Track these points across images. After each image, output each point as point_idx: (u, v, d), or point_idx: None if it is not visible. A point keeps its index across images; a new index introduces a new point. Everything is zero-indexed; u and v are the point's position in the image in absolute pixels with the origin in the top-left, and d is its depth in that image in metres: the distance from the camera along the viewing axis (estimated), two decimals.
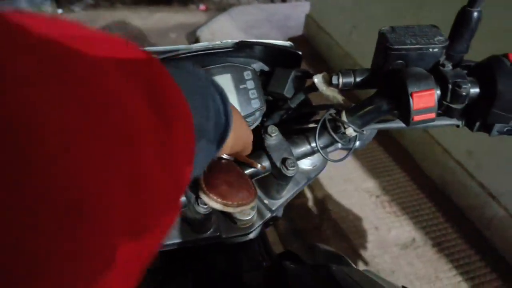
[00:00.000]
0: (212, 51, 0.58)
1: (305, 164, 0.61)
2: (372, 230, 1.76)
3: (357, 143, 0.84)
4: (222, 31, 3.56)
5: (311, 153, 0.55)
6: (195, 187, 0.44)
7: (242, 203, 0.44)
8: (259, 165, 0.50)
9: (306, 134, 0.55)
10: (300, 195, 1.87)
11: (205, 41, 0.60)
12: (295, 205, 1.85)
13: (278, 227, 1.75)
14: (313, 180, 0.63)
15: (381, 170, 2.05)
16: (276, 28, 3.58)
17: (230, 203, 0.42)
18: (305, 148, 0.54)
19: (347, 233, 1.73)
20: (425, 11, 1.89)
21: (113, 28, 3.86)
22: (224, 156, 0.47)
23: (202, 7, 4.46)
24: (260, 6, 4.53)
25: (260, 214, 0.56)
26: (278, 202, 0.57)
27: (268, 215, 0.56)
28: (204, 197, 0.42)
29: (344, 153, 0.59)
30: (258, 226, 0.56)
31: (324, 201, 1.86)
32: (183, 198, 0.47)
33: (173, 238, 0.52)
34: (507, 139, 1.29)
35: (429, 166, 2.04)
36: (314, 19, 3.14)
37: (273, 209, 0.57)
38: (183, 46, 0.61)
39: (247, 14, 3.96)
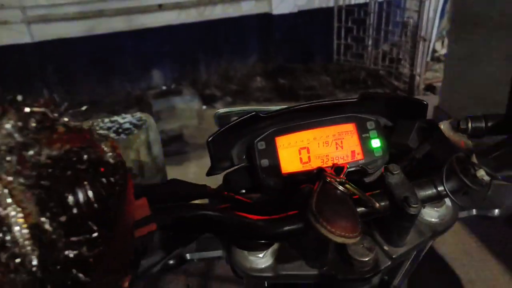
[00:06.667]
0: (337, 101, 0.63)
1: (431, 216, 0.58)
2: None
3: (496, 211, 0.76)
4: None
5: (437, 197, 0.52)
6: (305, 208, 0.45)
7: (345, 235, 0.42)
8: (376, 204, 0.49)
9: (431, 177, 0.53)
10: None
11: None
12: None
13: None
14: (439, 236, 0.58)
15: None
16: None
17: (333, 230, 0.42)
18: (430, 191, 0.52)
19: None
20: None
21: None
22: (340, 188, 0.48)
23: None
24: None
25: (379, 260, 0.53)
26: (399, 250, 0.54)
27: (388, 262, 0.53)
28: (312, 221, 0.42)
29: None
30: (377, 273, 0.53)
31: None
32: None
33: (285, 270, 0.53)
34: None
35: None
36: (444, 111, 3.04)
37: (394, 256, 0.53)
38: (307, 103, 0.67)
39: None
